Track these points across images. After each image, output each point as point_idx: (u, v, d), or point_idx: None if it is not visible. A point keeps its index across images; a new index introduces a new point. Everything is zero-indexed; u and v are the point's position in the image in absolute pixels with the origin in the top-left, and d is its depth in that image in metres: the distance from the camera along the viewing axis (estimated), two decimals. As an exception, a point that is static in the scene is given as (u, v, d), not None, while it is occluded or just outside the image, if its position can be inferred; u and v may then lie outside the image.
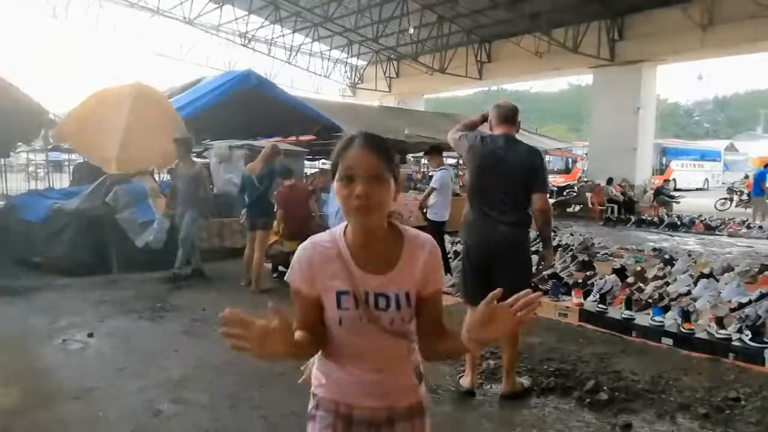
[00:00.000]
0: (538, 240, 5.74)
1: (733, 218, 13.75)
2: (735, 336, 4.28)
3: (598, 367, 3.97)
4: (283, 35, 21.90)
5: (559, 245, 8.59)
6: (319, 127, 10.80)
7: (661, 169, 26.46)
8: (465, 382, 3.58)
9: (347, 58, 25.19)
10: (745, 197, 17.95)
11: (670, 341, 4.46)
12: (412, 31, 19.03)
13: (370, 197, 1.26)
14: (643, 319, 4.80)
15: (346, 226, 1.37)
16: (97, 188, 7.52)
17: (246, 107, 10.45)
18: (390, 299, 1.34)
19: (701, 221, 13.03)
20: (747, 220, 13.37)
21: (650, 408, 3.33)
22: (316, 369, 1.48)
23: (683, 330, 4.47)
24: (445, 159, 8.90)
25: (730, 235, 11.91)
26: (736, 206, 17.96)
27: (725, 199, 18.44)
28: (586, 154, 20.15)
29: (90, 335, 4.63)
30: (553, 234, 10.02)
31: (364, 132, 1.36)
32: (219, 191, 9.15)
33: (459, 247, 7.97)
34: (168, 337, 4.66)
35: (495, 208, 3.39)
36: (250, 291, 6.13)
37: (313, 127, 11.00)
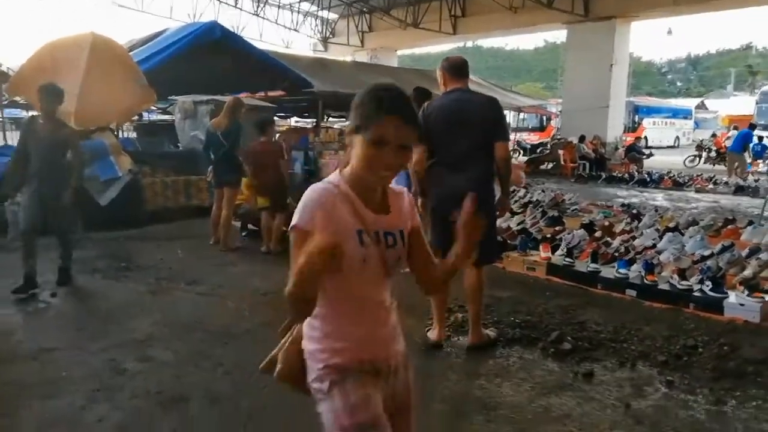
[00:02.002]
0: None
1: (701, 174, 14.03)
2: (696, 287, 4.39)
3: (563, 318, 4.03)
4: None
5: (530, 202, 8.65)
6: (288, 82, 10.46)
7: (633, 127, 26.72)
8: (433, 335, 3.60)
9: (318, 11, 24.41)
10: (713, 154, 18.30)
11: (633, 293, 4.55)
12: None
13: (399, 167, 1.40)
14: (609, 271, 4.87)
15: (342, 172, 1.44)
16: (55, 145, 7.19)
17: (211, 61, 10.03)
18: (396, 237, 1.45)
19: (670, 177, 13.26)
20: (714, 176, 13.66)
21: (611, 356, 3.40)
22: (317, 345, 1.43)
23: (647, 281, 4.55)
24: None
25: (697, 191, 12.16)
26: (705, 163, 18.31)
27: (694, 155, 18.76)
28: (560, 111, 20.14)
29: (53, 295, 4.50)
30: (524, 191, 10.11)
31: (396, 94, 1.37)
32: (184, 148, 8.90)
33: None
34: (132, 296, 4.56)
35: (460, 161, 3.38)
36: (219, 249, 6.02)
37: (282, 81, 10.65)
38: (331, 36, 25.43)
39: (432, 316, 3.71)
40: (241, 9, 21.66)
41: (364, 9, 22.39)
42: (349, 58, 22.13)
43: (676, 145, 31.11)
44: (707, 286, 4.34)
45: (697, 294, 4.30)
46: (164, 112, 14.07)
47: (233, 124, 5.95)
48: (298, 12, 24.14)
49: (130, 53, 9.22)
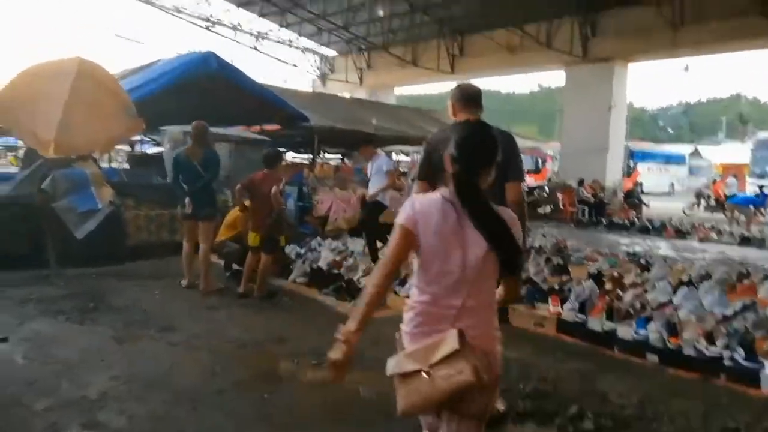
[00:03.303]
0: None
1: (702, 223, 13.73)
2: (726, 353, 3.94)
3: (580, 387, 3.56)
4: (250, 21, 21.11)
5: (531, 247, 8.25)
6: (283, 115, 10.16)
7: (628, 172, 26.65)
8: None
9: (317, 47, 24.51)
10: (712, 202, 18.09)
11: (655, 358, 4.10)
12: (381, 13, 18.51)
13: None
14: (626, 331, 4.42)
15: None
16: (32, 173, 6.79)
17: (206, 92, 9.74)
18: None
19: (672, 226, 12.95)
20: (715, 225, 13.37)
21: (642, 440, 2.93)
22: None
23: (670, 345, 4.11)
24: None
25: (701, 240, 11.82)
26: (705, 211, 18.07)
27: (693, 203, 18.54)
28: (558, 154, 20.03)
29: (3, 340, 4.00)
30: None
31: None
32: (172, 179, 8.47)
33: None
34: (95, 343, 4.05)
35: None
36: (200, 291, 5.53)
37: (277, 114, 10.36)
38: (329, 72, 25.47)
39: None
40: (239, 42, 21.66)
41: (363, 46, 22.47)
42: (347, 95, 22.10)
43: (670, 191, 31.02)
44: (739, 353, 3.90)
45: (728, 363, 3.85)
46: (157, 143, 13.75)
47: (211, 153, 5.56)
48: (297, 48, 24.20)
49: (121, 81, 8.93)
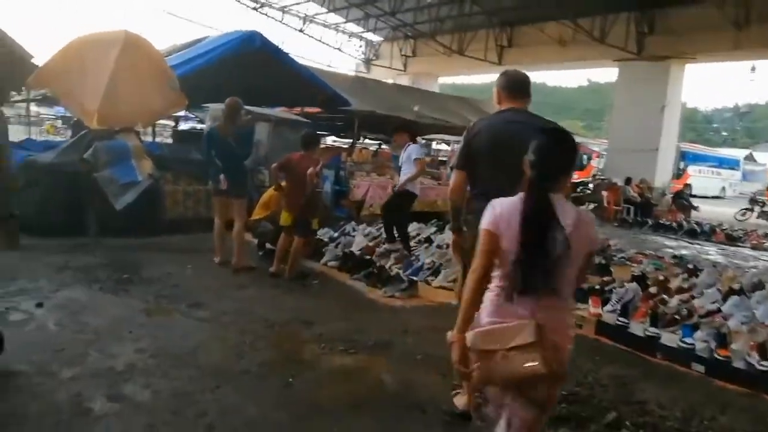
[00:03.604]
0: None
1: (756, 229, 13.04)
2: (780, 369, 3.66)
3: (619, 393, 3.36)
4: (298, 3, 21.08)
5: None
6: (323, 96, 10.06)
7: (678, 174, 25.60)
8: (460, 402, 2.97)
9: (363, 32, 24.34)
10: (767, 209, 17.20)
11: (701, 368, 3.85)
12: (429, 0, 18.15)
13: None
14: (670, 338, 4.17)
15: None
16: (76, 143, 6.92)
17: (249, 71, 9.73)
18: None
19: (722, 230, 12.34)
20: (770, 233, 12.69)
21: (684, 455, 2.73)
22: None
23: (718, 356, 3.85)
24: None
25: (753, 248, 11.21)
26: (758, 218, 17.19)
27: (746, 209, 17.65)
28: (603, 151, 19.37)
29: (39, 305, 4.06)
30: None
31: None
32: (204, 155, 8.52)
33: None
34: (126, 314, 4.07)
35: (504, 194, 2.75)
36: (232, 268, 5.52)
37: (318, 96, 10.27)
38: (374, 58, 25.29)
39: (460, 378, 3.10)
40: (287, 24, 21.69)
41: (409, 33, 22.18)
42: (390, 81, 21.91)
43: (721, 195, 29.71)
44: (793, 369, 3.62)
45: (781, 378, 3.58)
46: (200, 120, 13.91)
47: (246, 130, 5.50)
48: (343, 32, 24.10)
49: (167, 57, 9.00)
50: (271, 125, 8.84)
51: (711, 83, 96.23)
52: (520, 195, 1.93)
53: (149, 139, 10.47)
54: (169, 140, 13.97)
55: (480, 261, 1.93)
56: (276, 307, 4.46)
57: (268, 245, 6.10)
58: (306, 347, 3.71)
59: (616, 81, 17.74)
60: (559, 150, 1.98)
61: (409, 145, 6.65)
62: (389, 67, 23.36)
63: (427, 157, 13.33)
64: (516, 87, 2.91)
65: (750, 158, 37.97)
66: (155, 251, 5.98)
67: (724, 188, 30.72)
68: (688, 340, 4.05)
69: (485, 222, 1.95)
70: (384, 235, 6.69)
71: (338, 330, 4.03)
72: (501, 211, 1.93)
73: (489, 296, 1.97)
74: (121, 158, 6.84)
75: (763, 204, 17.63)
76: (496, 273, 1.96)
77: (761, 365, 3.68)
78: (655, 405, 3.22)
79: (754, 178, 34.03)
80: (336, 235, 7.18)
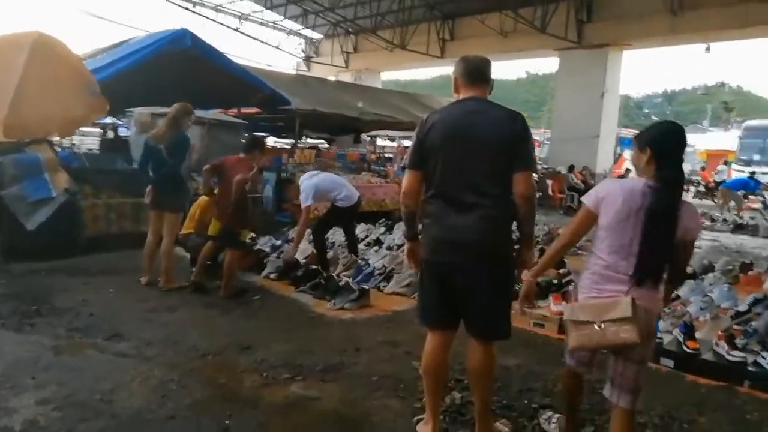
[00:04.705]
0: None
1: (695, 210, 13.41)
2: (750, 358, 3.50)
3: (592, 400, 3.08)
4: (233, 1, 20.27)
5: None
6: (261, 96, 9.52)
7: (615, 159, 26.31)
8: (424, 431, 2.62)
9: (302, 29, 23.73)
10: (701, 188, 17.85)
11: (670, 363, 3.66)
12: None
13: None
14: (636, 333, 3.96)
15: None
16: (-23, 159, 6.11)
17: (180, 72, 9.09)
18: None
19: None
20: (707, 212, 13.07)
21: (670, 471, 2.46)
22: None
23: (687, 349, 3.66)
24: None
25: (694, 228, 11.48)
26: (693, 197, 17.81)
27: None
28: (546, 140, 19.59)
29: None
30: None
31: None
32: (140, 165, 7.86)
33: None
34: (30, 354, 3.47)
35: (465, 196, 2.42)
36: (159, 287, 4.97)
37: (256, 97, 9.72)
38: (314, 55, 24.72)
39: (423, 397, 2.74)
40: (221, 24, 20.82)
41: (350, 29, 21.75)
42: (332, 78, 21.44)
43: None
44: (764, 358, 3.47)
45: (752, 369, 3.42)
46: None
47: (178, 136, 4.97)
48: (282, 30, 23.40)
49: (87, 61, 8.25)
50: (204, 128, 8.23)
51: (641, 70, 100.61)
52: (642, 180, 2.15)
53: (65, 148, 9.65)
54: (96, 150, 13.06)
55: (577, 229, 2.29)
56: (210, 332, 3.97)
57: (202, 260, 5.55)
58: (245, 378, 3.25)
59: (557, 70, 17.95)
60: (683, 141, 2.18)
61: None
62: (330, 65, 22.87)
63: (372, 154, 12.98)
64: (476, 73, 2.55)
65: (681, 141, 39.60)
66: (72, 275, 5.32)
67: (658, 171, 31.77)
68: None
69: (588, 200, 2.23)
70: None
71: (282, 354, 3.59)
72: (605, 195, 2.17)
73: (590, 269, 2.22)
74: (31, 172, 6.14)
75: (698, 184, 18.30)
76: (600, 246, 2.18)
77: (731, 355, 3.52)
78: (631, 412, 2.96)
79: (686, 160, 35.47)
80: (279, 242, 6.69)
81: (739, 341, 3.72)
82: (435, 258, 2.51)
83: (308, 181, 5.71)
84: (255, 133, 5.79)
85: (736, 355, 3.50)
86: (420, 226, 2.59)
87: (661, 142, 2.14)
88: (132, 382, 3.14)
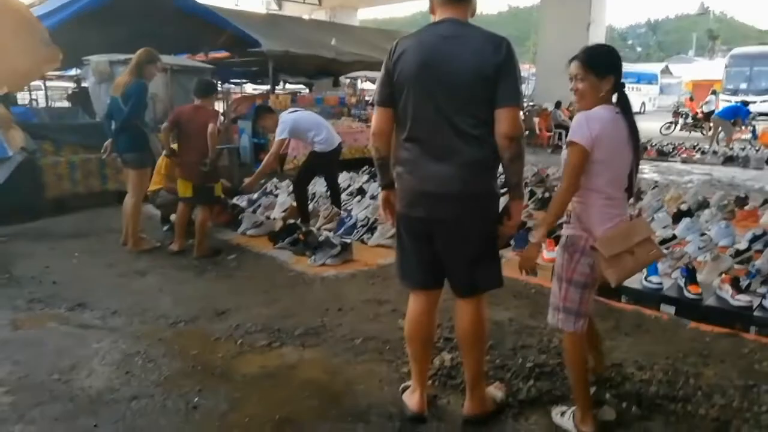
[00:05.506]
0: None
1: (683, 143, 13.20)
2: (755, 301, 3.33)
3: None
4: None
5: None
6: (227, 38, 8.90)
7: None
8: (411, 401, 2.39)
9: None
10: (689, 120, 17.58)
11: (671, 309, 3.47)
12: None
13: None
14: (633, 278, 3.76)
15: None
16: None
17: (140, 18, 8.40)
18: None
19: (653, 147, 12.38)
20: (698, 144, 12.88)
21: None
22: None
23: (689, 294, 3.47)
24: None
25: (683, 162, 11.31)
26: (681, 129, 17.57)
27: (670, 123, 17.98)
28: (532, 75, 19.05)
29: None
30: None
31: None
32: (101, 118, 7.35)
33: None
34: (-15, 331, 3.21)
35: (443, 140, 2.10)
36: (127, 251, 4.66)
37: (222, 40, 9.08)
38: (286, -7, 23.49)
39: (408, 361, 2.52)
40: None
41: (323, -37, 20.58)
42: (306, 17, 20.39)
43: (641, 111, 30.41)
44: (770, 299, 3.29)
45: (759, 314, 3.24)
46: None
47: (135, 84, 4.51)
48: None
49: (34, 7, 7.59)
50: (167, 75, 7.68)
51: (623, 1, 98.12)
52: (610, 108, 2.14)
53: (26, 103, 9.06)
54: (66, 103, 12.42)
55: (575, 172, 2.09)
56: (182, 297, 3.70)
57: (172, 218, 5.22)
58: (218, 348, 3.00)
59: (540, 2, 17.21)
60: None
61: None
62: (303, 2, 21.74)
63: (351, 97, 12.43)
64: None
65: (666, 71, 39.11)
66: (33, 240, 4.98)
67: (644, 103, 31.48)
68: (654, 278, 3.65)
69: (578, 137, 2.07)
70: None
71: (258, 318, 3.34)
72: (597, 131, 2.07)
73: (595, 206, 2.14)
74: (-20, 131, 5.65)
75: (686, 116, 18.01)
76: (597, 182, 2.12)
77: (736, 300, 3.33)
78: (633, 367, 2.77)
79: (671, 90, 35.21)
80: (255, 196, 6.35)
81: (742, 281, 3.54)
82: (411, 212, 2.21)
83: (288, 116, 5.31)
84: (204, 77, 5.29)
85: (742, 300, 3.31)
86: (394, 174, 2.28)
87: (620, 67, 2.19)
88: (94, 358, 2.88)
